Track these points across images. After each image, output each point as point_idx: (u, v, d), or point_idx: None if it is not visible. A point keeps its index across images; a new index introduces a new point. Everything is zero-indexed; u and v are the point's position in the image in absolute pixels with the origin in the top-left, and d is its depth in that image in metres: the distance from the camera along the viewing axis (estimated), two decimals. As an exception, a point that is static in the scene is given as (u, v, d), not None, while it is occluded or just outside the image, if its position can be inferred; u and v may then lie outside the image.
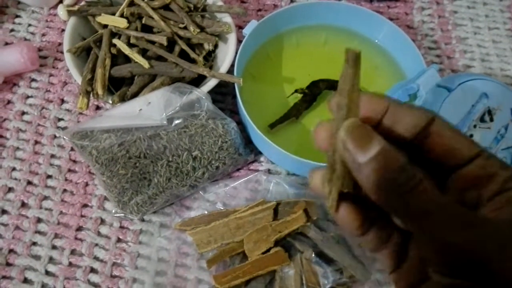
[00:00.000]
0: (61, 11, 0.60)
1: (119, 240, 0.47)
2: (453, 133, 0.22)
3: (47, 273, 0.46)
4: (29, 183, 0.50)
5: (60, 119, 0.54)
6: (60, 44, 0.59)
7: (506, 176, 0.21)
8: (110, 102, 0.46)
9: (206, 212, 0.47)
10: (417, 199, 0.19)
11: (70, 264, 0.46)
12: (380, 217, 0.23)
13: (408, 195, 0.19)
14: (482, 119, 0.44)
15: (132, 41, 0.48)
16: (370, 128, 0.21)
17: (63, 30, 0.60)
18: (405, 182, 0.19)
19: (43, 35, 0.60)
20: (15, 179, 0.50)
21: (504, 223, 0.20)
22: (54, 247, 0.47)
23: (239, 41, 0.51)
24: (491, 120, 0.44)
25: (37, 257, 0.46)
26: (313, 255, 0.43)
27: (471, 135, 0.43)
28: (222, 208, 0.47)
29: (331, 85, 0.52)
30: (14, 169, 0.51)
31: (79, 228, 0.48)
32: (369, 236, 0.23)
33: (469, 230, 0.19)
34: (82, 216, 0.48)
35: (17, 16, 0.62)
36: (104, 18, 0.50)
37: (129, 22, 0.49)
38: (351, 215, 0.22)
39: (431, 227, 0.19)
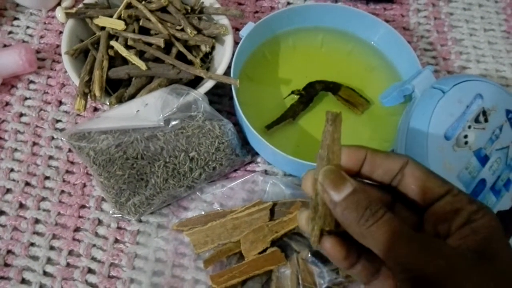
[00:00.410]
0: (59, 13, 0.60)
1: (116, 241, 0.47)
2: (424, 174, 0.25)
3: (45, 273, 0.46)
4: (27, 184, 0.50)
5: (58, 121, 0.54)
6: (58, 46, 0.60)
7: (471, 210, 0.24)
8: (108, 103, 0.47)
9: (203, 213, 0.48)
10: (380, 229, 0.23)
11: (68, 264, 0.46)
12: (367, 251, 0.25)
13: (373, 227, 0.23)
14: (476, 120, 0.44)
15: (130, 43, 0.48)
16: (343, 173, 0.25)
17: (61, 32, 0.61)
18: (370, 215, 0.23)
19: (41, 37, 0.61)
20: (13, 180, 0.51)
21: (464, 250, 0.23)
22: (52, 248, 0.47)
23: (236, 43, 0.51)
24: (486, 121, 0.45)
25: (35, 258, 0.47)
26: (309, 255, 0.43)
27: (466, 136, 0.43)
28: (219, 209, 0.48)
29: (327, 86, 0.53)
30: (12, 170, 0.51)
31: (77, 229, 0.48)
32: (358, 268, 0.26)
33: (427, 254, 0.22)
34: (80, 217, 0.49)
35: (16, 19, 0.62)
36: (101, 20, 0.50)
37: (126, 24, 0.50)
38: (335, 247, 0.26)
39: (393, 252, 0.23)
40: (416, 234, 0.23)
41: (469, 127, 0.44)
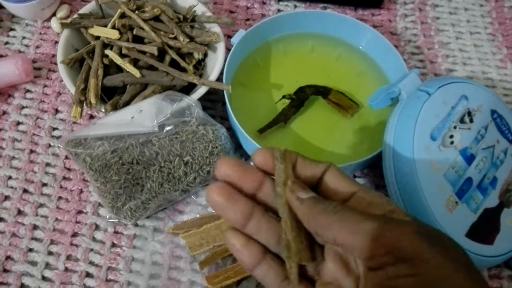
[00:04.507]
0: (54, 23, 0.61)
1: (113, 245, 0.48)
2: (340, 175, 0.29)
3: (44, 278, 0.47)
4: (25, 191, 0.51)
5: (54, 129, 0.56)
6: (54, 55, 0.61)
7: (380, 202, 0.27)
8: (103, 110, 0.48)
9: (198, 216, 0.49)
10: (349, 212, 0.26)
11: (66, 269, 0.47)
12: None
13: (341, 211, 0.26)
14: (462, 120, 0.45)
15: (124, 51, 0.50)
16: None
17: (56, 42, 0.62)
18: (335, 205, 0.26)
19: (37, 47, 0.62)
20: (11, 187, 0.52)
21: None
22: (50, 253, 0.48)
23: (227, 50, 0.53)
24: (471, 121, 0.46)
25: (33, 263, 0.47)
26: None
27: (452, 136, 0.44)
28: (213, 212, 0.49)
29: (318, 90, 0.54)
30: (10, 177, 0.52)
31: (75, 234, 0.49)
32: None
33: (394, 225, 0.25)
34: (77, 222, 0.49)
35: (12, 29, 0.63)
36: (96, 30, 0.52)
37: (120, 33, 0.51)
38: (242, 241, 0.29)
39: (368, 229, 0.24)
40: (380, 215, 0.26)
41: (455, 127, 0.45)
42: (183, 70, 0.50)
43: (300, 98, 0.54)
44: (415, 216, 0.42)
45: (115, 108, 0.48)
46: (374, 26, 0.63)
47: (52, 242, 0.48)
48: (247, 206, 0.28)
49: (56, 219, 0.50)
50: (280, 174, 0.28)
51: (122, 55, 0.50)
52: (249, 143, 0.48)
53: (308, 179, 0.29)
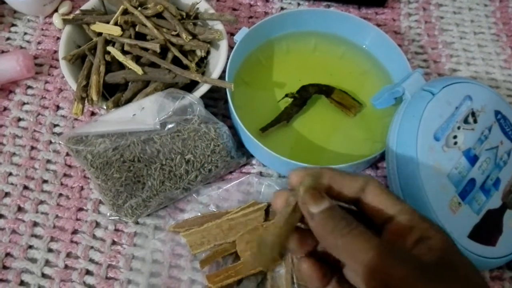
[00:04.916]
0: (56, 19, 0.61)
1: (114, 243, 0.48)
2: (382, 192, 0.28)
3: (44, 275, 0.47)
4: (26, 188, 0.51)
5: (55, 125, 0.55)
6: (55, 52, 0.61)
7: (423, 227, 0.26)
8: (105, 107, 0.48)
9: (199, 214, 0.48)
10: (354, 239, 0.25)
11: (66, 266, 0.47)
12: (338, 273, 0.28)
13: (347, 236, 0.25)
14: (466, 121, 0.45)
15: (126, 48, 0.49)
16: (322, 192, 0.28)
17: (58, 38, 0.61)
18: (344, 226, 0.25)
19: (39, 43, 0.61)
20: (12, 184, 0.51)
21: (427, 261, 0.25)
22: (50, 250, 0.48)
23: (230, 48, 0.52)
24: (475, 121, 0.46)
25: (33, 260, 0.47)
26: (304, 254, 0.44)
27: (455, 136, 0.44)
28: (215, 210, 0.49)
29: (321, 89, 0.54)
30: (10, 174, 0.52)
31: (75, 231, 0.49)
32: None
33: (396, 261, 0.24)
34: (77, 219, 0.49)
35: (13, 25, 0.63)
36: (98, 26, 0.51)
37: (123, 30, 0.51)
38: (312, 267, 0.28)
39: (365, 260, 0.24)
40: (385, 244, 0.25)
41: (458, 128, 0.45)
42: (186, 67, 0.50)
43: (303, 97, 0.53)
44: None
45: (117, 105, 0.48)
46: (378, 25, 0.63)
47: (52, 239, 0.48)
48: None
49: (57, 216, 0.49)
50: (283, 220, 0.27)
51: (124, 52, 0.50)
52: (251, 141, 0.47)
53: (347, 197, 0.29)
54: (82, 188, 0.51)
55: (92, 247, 0.48)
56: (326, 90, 0.54)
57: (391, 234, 0.27)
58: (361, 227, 0.26)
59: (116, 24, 0.51)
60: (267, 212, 0.46)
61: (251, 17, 0.65)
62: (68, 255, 0.48)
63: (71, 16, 0.53)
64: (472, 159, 0.44)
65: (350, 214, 0.27)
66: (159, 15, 0.52)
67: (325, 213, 0.26)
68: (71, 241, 0.48)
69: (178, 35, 0.50)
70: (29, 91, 0.58)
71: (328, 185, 0.29)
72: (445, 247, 0.25)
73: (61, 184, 0.51)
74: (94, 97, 0.47)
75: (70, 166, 0.52)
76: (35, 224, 0.49)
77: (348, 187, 0.28)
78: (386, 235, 0.28)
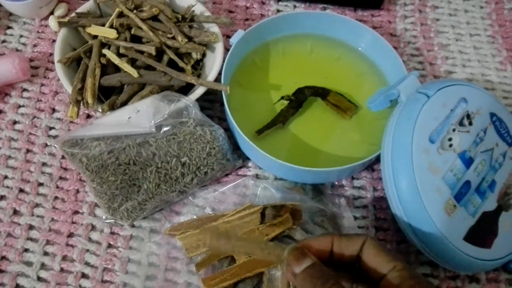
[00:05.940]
0: (52, 22, 0.61)
1: (109, 246, 0.48)
2: (377, 251, 0.30)
3: (39, 279, 0.46)
4: (21, 191, 0.51)
5: (51, 128, 0.55)
6: (51, 54, 0.61)
7: (410, 284, 0.28)
8: (100, 110, 0.48)
9: (195, 217, 0.48)
10: None
11: (62, 270, 0.47)
12: None
13: None
14: (461, 123, 0.45)
15: (122, 51, 0.49)
16: (305, 250, 0.30)
17: (54, 41, 0.61)
18: (325, 283, 0.28)
19: (35, 46, 0.61)
20: (7, 187, 0.51)
21: None
22: (45, 254, 0.48)
23: (226, 50, 0.52)
24: (470, 124, 0.46)
25: (29, 264, 0.47)
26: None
27: (450, 139, 0.44)
28: (211, 213, 0.49)
29: (317, 91, 0.54)
30: (6, 177, 0.52)
31: (70, 235, 0.49)
32: None
33: None
34: (73, 222, 0.49)
35: (9, 28, 0.63)
36: (94, 29, 0.51)
37: (118, 32, 0.51)
38: None
39: None
40: None
41: (454, 130, 0.45)
42: (181, 70, 0.50)
43: (299, 99, 0.53)
44: (413, 219, 0.42)
45: (112, 108, 0.48)
46: (374, 27, 0.63)
47: (48, 242, 0.48)
48: None
49: (52, 219, 0.49)
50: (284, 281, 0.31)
51: (119, 55, 0.50)
52: (247, 144, 0.47)
53: (348, 257, 0.31)
54: (77, 191, 0.51)
55: (87, 250, 0.48)
56: (322, 93, 0.54)
57: None
58: (340, 283, 0.28)
59: (111, 27, 0.51)
60: (263, 214, 0.46)
61: (247, 19, 0.65)
62: (64, 258, 0.47)
63: (66, 19, 0.53)
64: (468, 162, 0.44)
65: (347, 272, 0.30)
66: (154, 18, 0.52)
67: (305, 272, 0.29)
68: (67, 244, 0.48)
69: (173, 38, 0.50)
70: (25, 94, 0.57)
71: (329, 250, 0.31)
72: None
73: (57, 187, 0.51)
74: (90, 100, 0.47)
75: (65, 169, 0.52)
76: (31, 227, 0.49)
77: (347, 249, 0.31)
78: None
